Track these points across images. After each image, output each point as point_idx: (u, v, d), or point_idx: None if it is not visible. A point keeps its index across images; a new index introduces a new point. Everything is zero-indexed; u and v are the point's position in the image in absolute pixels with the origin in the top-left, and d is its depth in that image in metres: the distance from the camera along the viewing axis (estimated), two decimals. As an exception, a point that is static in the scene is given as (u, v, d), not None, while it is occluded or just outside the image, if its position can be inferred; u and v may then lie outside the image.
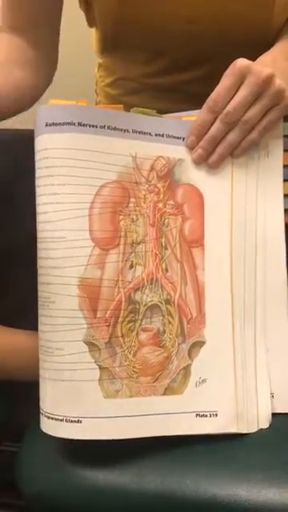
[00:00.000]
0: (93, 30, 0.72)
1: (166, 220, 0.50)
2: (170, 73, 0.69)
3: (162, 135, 0.50)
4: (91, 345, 0.46)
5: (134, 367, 0.47)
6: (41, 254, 0.47)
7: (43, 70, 0.64)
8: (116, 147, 0.48)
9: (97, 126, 0.47)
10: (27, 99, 0.61)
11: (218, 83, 0.49)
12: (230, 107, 0.49)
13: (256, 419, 0.50)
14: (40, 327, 0.47)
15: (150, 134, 0.50)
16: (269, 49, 0.57)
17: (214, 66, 0.49)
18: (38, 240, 0.48)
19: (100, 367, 0.46)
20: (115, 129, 0.48)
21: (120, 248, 0.48)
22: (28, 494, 0.48)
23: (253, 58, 0.51)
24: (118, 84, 0.76)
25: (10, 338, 0.59)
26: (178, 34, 0.62)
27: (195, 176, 0.51)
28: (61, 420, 0.45)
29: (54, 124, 0.46)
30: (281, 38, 0.60)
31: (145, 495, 0.46)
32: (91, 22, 0.68)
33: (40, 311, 0.47)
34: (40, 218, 0.47)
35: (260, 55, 0.55)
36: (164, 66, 0.68)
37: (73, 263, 0.46)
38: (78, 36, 0.86)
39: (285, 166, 0.54)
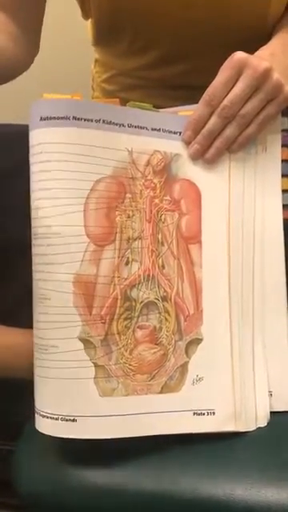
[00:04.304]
0: (89, 24, 0.71)
1: (163, 216, 0.49)
2: (165, 64, 0.68)
3: (159, 130, 0.50)
4: (86, 342, 0.45)
5: (130, 365, 0.47)
6: (36, 250, 0.47)
7: (25, 48, 0.64)
8: (112, 142, 0.47)
9: (92, 121, 0.46)
10: (6, 70, 0.61)
11: (214, 76, 0.49)
12: (227, 101, 0.49)
13: (254, 417, 0.50)
14: (35, 324, 0.47)
15: (146, 128, 0.49)
16: (266, 41, 0.56)
17: (210, 59, 0.49)
18: (33, 236, 0.47)
19: (95, 365, 0.45)
20: (111, 123, 0.47)
21: (116, 244, 0.47)
22: (23, 493, 0.47)
23: (250, 51, 0.50)
24: (114, 80, 0.76)
25: (4, 336, 0.59)
26: (174, 22, 0.62)
27: (192, 171, 0.50)
28: (56, 419, 0.45)
29: (48, 118, 0.46)
30: (279, 31, 0.59)
31: (142, 495, 0.45)
32: (86, 14, 0.68)
33: (35, 308, 0.47)
34: (35, 213, 0.46)
35: (257, 47, 0.54)
36: (160, 57, 0.68)
37: (68, 259, 0.45)
38: (74, 31, 0.85)
39: (283, 161, 0.53)
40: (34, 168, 0.46)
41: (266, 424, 0.50)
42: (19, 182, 0.50)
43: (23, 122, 0.52)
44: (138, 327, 0.47)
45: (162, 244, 0.49)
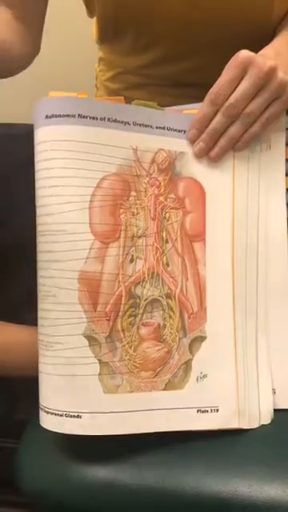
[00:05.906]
0: (93, 23, 0.71)
1: (167, 214, 0.49)
2: (169, 62, 0.68)
3: (164, 128, 0.50)
4: (91, 339, 0.45)
5: (134, 362, 0.47)
6: (40, 247, 0.47)
7: (30, 44, 0.65)
8: (116, 139, 0.47)
9: (97, 119, 0.47)
10: (13, 64, 0.61)
11: (218, 74, 0.49)
12: (231, 100, 0.49)
13: (258, 415, 0.50)
14: (40, 321, 0.47)
15: (151, 126, 0.49)
16: (270, 39, 0.56)
17: (214, 56, 0.49)
18: (38, 233, 0.47)
19: (100, 362, 0.45)
20: (116, 121, 0.47)
21: (120, 241, 0.47)
22: (27, 491, 0.47)
23: (253, 49, 0.50)
24: (118, 78, 0.76)
25: (8, 333, 0.59)
26: (178, 21, 0.62)
27: (196, 169, 0.51)
28: (60, 415, 0.45)
29: (53, 116, 0.46)
30: (282, 29, 0.59)
31: (145, 492, 0.45)
32: (91, 11, 0.68)
33: (40, 305, 0.47)
34: (40, 211, 0.47)
35: (261, 46, 0.54)
36: (163, 55, 0.67)
37: (73, 256, 0.45)
38: (78, 30, 0.85)
39: (287, 160, 0.53)
40: (38, 166, 0.47)
41: (269, 421, 0.50)
42: (20, 183, 0.50)
43: (27, 122, 0.52)
44: (142, 324, 0.47)
45: (167, 242, 0.49)
